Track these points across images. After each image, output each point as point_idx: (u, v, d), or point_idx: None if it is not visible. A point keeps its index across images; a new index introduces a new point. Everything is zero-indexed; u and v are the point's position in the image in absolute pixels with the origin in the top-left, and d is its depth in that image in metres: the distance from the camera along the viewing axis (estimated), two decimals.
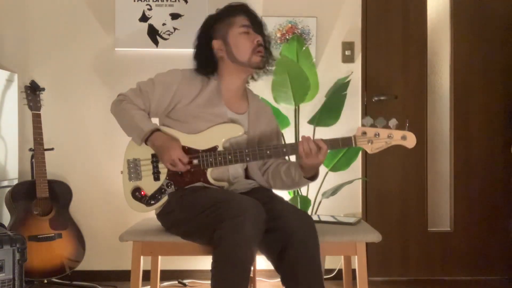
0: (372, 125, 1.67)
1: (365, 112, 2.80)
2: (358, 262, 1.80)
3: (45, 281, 2.45)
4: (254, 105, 1.92)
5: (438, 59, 2.93)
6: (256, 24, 1.86)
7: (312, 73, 2.63)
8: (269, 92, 2.60)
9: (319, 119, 2.61)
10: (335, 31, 2.84)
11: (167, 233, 1.79)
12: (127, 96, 1.83)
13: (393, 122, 1.65)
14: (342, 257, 2.20)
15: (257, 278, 2.67)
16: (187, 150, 1.76)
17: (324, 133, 2.55)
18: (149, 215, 1.97)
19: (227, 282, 1.49)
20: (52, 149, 2.61)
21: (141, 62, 2.77)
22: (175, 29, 2.77)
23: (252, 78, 1.94)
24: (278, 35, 2.80)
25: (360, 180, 2.82)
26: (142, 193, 1.79)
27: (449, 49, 2.89)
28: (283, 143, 2.06)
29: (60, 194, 2.53)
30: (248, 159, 1.73)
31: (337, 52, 2.85)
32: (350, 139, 1.68)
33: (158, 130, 1.77)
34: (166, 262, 2.60)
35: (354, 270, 1.88)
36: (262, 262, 2.67)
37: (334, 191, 2.54)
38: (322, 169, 2.62)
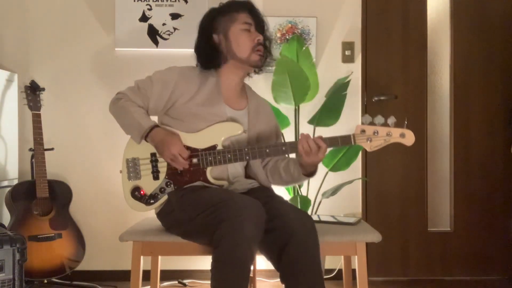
0: (371, 123, 1.67)
1: (365, 112, 2.80)
2: (358, 262, 1.80)
3: (45, 281, 2.45)
4: (253, 102, 1.93)
5: (438, 59, 2.94)
6: (259, 23, 1.86)
7: (312, 73, 2.63)
8: (269, 92, 2.60)
9: (319, 119, 2.61)
10: (335, 31, 2.84)
11: (167, 233, 1.79)
12: (125, 94, 1.83)
13: (391, 120, 1.65)
14: (342, 257, 2.20)
15: (257, 278, 2.67)
16: (187, 149, 1.75)
17: (324, 133, 2.52)
18: (149, 215, 1.97)
19: (227, 282, 1.49)
20: (52, 149, 2.61)
21: (141, 62, 2.77)
22: (175, 29, 2.77)
23: (248, 75, 1.94)
24: (278, 35, 2.81)
25: (360, 180, 2.82)
26: (142, 192, 1.79)
27: (449, 49, 2.89)
28: (282, 140, 2.06)
29: (60, 194, 2.53)
30: (247, 157, 1.73)
31: (337, 52, 2.85)
32: (349, 137, 1.68)
33: (157, 126, 1.77)
34: (166, 262, 2.60)
35: (354, 270, 1.88)
36: (262, 262, 2.67)
37: (334, 191, 2.54)
38: (322, 169, 2.63)
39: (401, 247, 2.85)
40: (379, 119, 1.66)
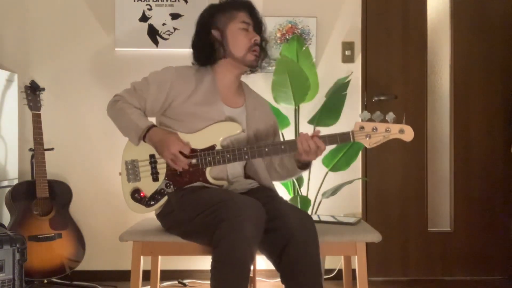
0: (370, 120, 1.67)
1: None
2: (358, 262, 1.80)
3: (45, 281, 2.45)
4: (250, 99, 1.93)
5: (438, 59, 2.93)
6: (257, 24, 1.87)
7: (312, 73, 2.63)
8: (269, 92, 2.60)
9: (319, 119, 2.61)
10: (335, 31, 2.84)
11: (167, 233, 1.78)
12: (122, 96, 1.83)
13: (390, 116, 1.65)
14: (342, 257, 2.20)
15: (257, 278, 2.67)
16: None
17: (324, 133, 2.54)
18: (149, 215, 1.97)
19: (227, 282, 1.49)
20: (52, 149, 2.61)
21: (141, 62, 2.77)
22: (175, 29, 2.77)
23: (243, 74, 1.93)
24: (278, 35, 2.80)
25: (360, 180, 2.82)
26: (142, 194, 1.79)
27: (449, 49, 2.89)
28: (280, 137, 2.06)
29: (60, 194, 2.53)
30: (246, 157, 1.73)
31: (337, 52, 2.85)
32: (348, 134, 1.68)
33: (154, 126, 1.77)
34: (166, 262, 2.60)
35: (354, 270, 1.88)
36: (262, 262, 2.67)
37: (334, 191, 2.54)
38: (322, 169, 2.63)
39: (401, 247, 2.85)
40: (378, 115, 1.65)
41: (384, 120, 1.66)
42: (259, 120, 1.91)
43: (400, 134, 1.66)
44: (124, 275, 2.60)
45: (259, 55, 1.85)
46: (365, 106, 2.83)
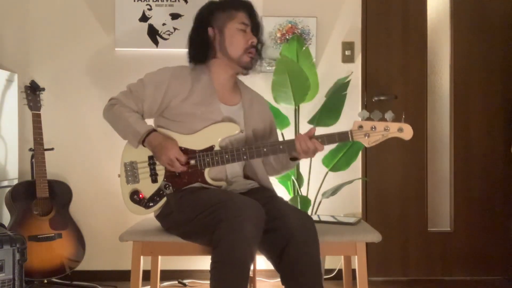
0: (368, 119, 1.66)
1: None
2: (358, 262, 1.80)
3: (45, 281, 2.45)
4: (247, 95, 1.93)
5: (438, 59, 2.93)
6: (255, 25, 1.87)
7: (312, 73, 2.63)
8: (269, 92, 2.60)
9: (319, 119, 2.61)
10: (335, 31, 2.84)
11: (167, 233, 1.78)
12: (118, 99, 1.83)
13: (389, 114, 1.65)
14: (342, 257, 2.20)
15: (257, 278, 2.67)
16: (184, 151, 1.75)
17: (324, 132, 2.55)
18: (149, 215, 1.97)
19: (227, 282, 1.49)
20: (52, 149, 2.61)
21: (141, 62, 2.77)
22: (175, 29, 2.77)
23: (237, 74, 1.93)
24: (278, 35, 2.80)
25: (360, 180, 2.82)
26: (141, 195, 1.79)
27: (449, 49, 2.89)
28: (277, 132, 2.06)
29: (60, 194, 2.53)
30: (245, 157, 1.73)
31: (337, 52, 2.85)
32: (347, 134, 1.68)
33: (154, 130, 1.77)
34: (166, 262, 2.60)
35: (354, 270, 1.87)
36: (262, 262, 2.67)
37: (334, 191, 2.54)
38: (322, 169, 2.63)
39: (401, 247, 2.85)
40: (377, 114, 1.65)
41: (383, 119, 1.65)
42: (257, 115, 1.91)
43: (399, 132, 1.66)
44: (124, 275, 2.60)
45: (254, 57, 1.85)
46: (365, 106, 2.83)
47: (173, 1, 2.77)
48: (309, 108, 2.73)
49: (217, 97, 1.83)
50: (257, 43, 1.86)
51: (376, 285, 2.73)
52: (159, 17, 2.77)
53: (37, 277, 2.37)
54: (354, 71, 2.81)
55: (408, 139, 1.66)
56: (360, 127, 1.67)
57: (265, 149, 1.72)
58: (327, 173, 2.63)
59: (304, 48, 2.65)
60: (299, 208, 2.35)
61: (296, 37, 2.67)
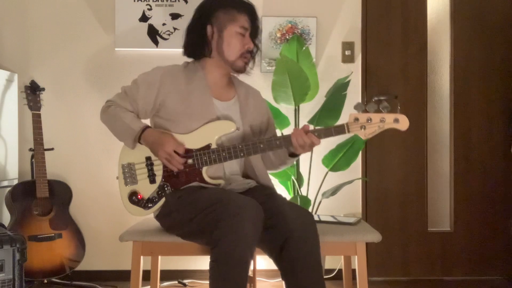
0: (364, 111, 1.66)
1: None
2: (358, 262, 1.80)
3: (45, 281, 2.45)
4: (241, 90, 1.93)
5: (438, 59, 2.93)
6: (254, 30, 1.86)
7: (312, 73, 2.63)
8: (269, 92, 2.60)
9: (319, 119, 2.61)
10: (335, 31, 2.84)
11: (166, 233, 1.78)
12: (114, 101, 1.83)
13: (384, 105, 1.65)
14: (342, 257, 2.20)
15: (257, 278, 2.67)
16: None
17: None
18: (149, 215, 1.97)
19: (226, 281, 1.49)
20: (52, 149, 2.61)
21: (141, 62, 2.77)
22: (175, 29, 2.77)
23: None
24: (278, 35, 2.80)
25: (360, 180, 2.82)
26: (139, 196, 1.79)
27: (449, 49, 2.89)
28: (275, 127, 2.06)
29: (60, 194, 2.53)
30: (242, 154, 1.73)
31: (337, 52, 2.85)
32: (343, 126, 1.68)
33: (148, 127, 1.77)
34: (166, 262, 2.60)
35: (354, 270, 1.88)
36: (262, 262, 2.67)
37: (334, 191, 2.53)
38: (322, 169, 2.63)
39: (401, 247, 2.85)
40: (372, 105, 1.65)
41: (378, 111, 1.65)
42: (253, 109, 1.91)
43: (395, 123, 1.65)
44: (124, 275, 2.60)
45: (248, 62, 1.85)
46: (365, 106, 2.82)
47: (173, 1, 2.77)
48: (309, 108, 2.73)
49: (211, 94, 1.83)
50: (253, 49, 1.85)
51: (376, 285, 2.73)
52: (159, 17, 2.77)
53: (37, 277, 2.38)
54: (354, 71, 2.81)
55: (404, 130, 1.65)
56: (356, 119, 1.67)
57: (261, 145, 1.72)
58: (327, 173, 2.63)
59: (304, 48, 2.65)
60: (298, 205, 2.35)
61: (296, 37, 2.67)
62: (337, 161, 2.61)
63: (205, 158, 1.74)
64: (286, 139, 1.71)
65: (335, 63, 2.84)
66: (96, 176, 2.78)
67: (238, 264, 1.49)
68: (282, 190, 2.65)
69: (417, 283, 2.79)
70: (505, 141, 2.86)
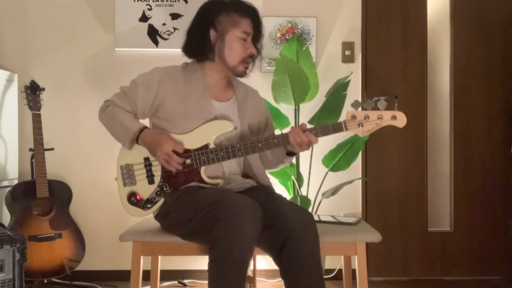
0: (362, 109, 1.66)
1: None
2: (358, 262, 1.80)
3: (45, 281, 2.45)
4: (240, 90, 1.93)
5: (438, 59, 2.93)
6: (257, 34, 1.85)
7: (312, 73, 2.63)
8: (269, 92, 2.60)
9: (319, 119, 2.61)
10: (335, 31, 2.84)
11: (166, 233, 1.78)
12: (112, 101, 1.83)
13: (382, 103, 1.64)
14: (342, 257, 2.20)
15: (257, 278, 2.67)
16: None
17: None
18: (149, 215, 1.97)
19: (225, 281, 1.49)
20: (52, 149, 2.61)
21: (141, 62, 2.77)
22: (175, 29, 2.77)
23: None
24: (278, 35, 2.80)
25: (360, 180, 2.82)
26: (138, 197, 1.79)
27: (449, 49, 2.89)
28: (273, 127, 2.06)
29: (60, 194, 2.53)
30: (240, 153, 1.73)
31: (337, 52, 2.85)
32: (340, 124, 1.68)
33: (146, 127, 1.77)
34: (166, 262, 2.60)
35: (354, 270, 1.88)
36: (262, 262, 2.67)
37: (334, 191, 2.53)
38: (322, 169, 2.63)
39: (401, 247, 2.85)
40: (370, 103, 1.64)
41: (376, 108, 1.65)
42: (251, 109, 1.91)
43: (392, 120, 1.65)
44: (124, 275, 2.60)
45: (248, 67, 1.84)
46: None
47: (173, 1, 2.77)
48: (309, 108, 2.73)
49: (210, 94, 1.83)
50: (254, 54, 1.84)
51: (376, 285, 2.73)
52: (159, 17, 2.77)
53: (37, 277, 2.38)
54: (354, 71, 2.81)
55: (402, 127, 1.65)
56: (353, 117, 1.66)
57: (259, 144, 1.72)
58: (327, 173, 2.63)
59: (304, 48, 2.65)
60: (298, 204, 2.35)
61: (296, 37, 2.67)
62: (337, 161, 2.61)
63: (203, 158, 1.74)
64: (284, 137, 1.71)
65: (335, 63, 2.84)
66: (96, 176, 2.78)
67: (238, 263, 1.49)
68: (282, 190, 2.65)
69: (417, 283, 2.79)
70: (505, 141, 2.86)
